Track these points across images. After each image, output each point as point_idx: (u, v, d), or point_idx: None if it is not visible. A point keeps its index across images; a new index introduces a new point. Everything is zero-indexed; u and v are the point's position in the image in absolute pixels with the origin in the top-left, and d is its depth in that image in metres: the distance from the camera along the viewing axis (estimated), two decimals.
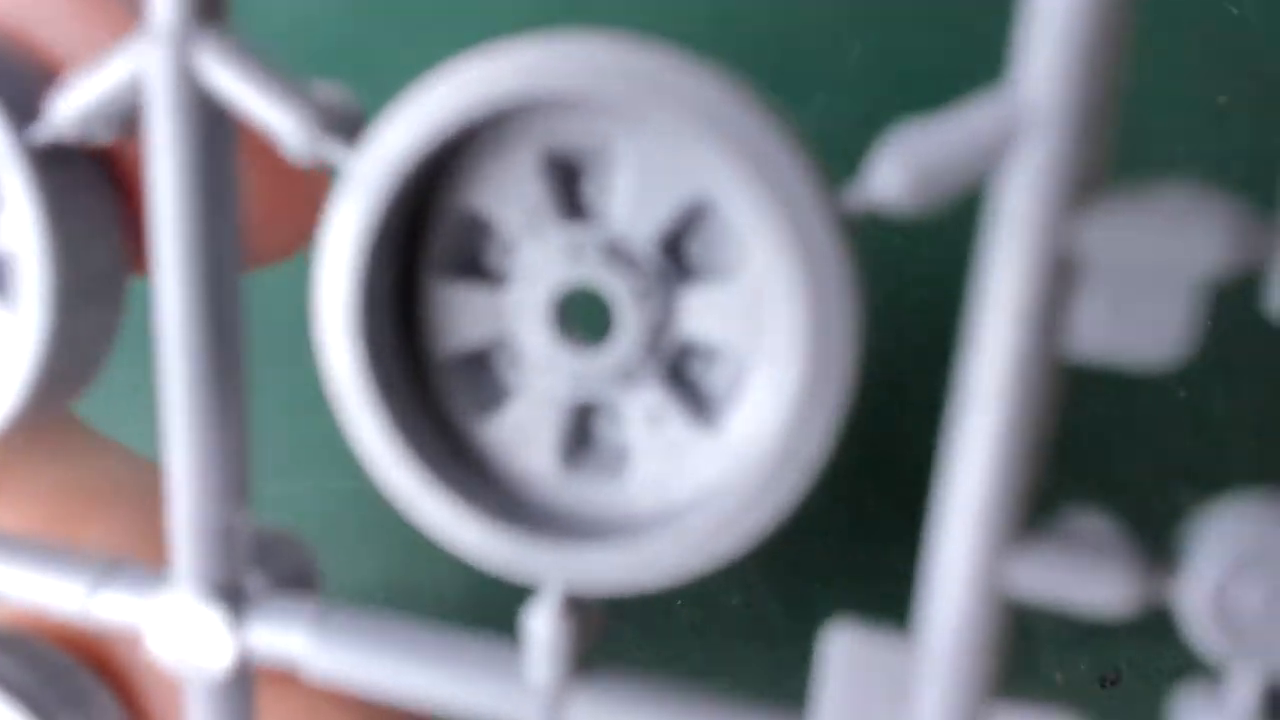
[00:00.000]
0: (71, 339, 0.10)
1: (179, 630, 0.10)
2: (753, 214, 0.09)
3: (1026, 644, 0.30)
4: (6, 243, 0.11)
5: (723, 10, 0.27)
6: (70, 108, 0.10)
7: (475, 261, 0.10)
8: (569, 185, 0.09)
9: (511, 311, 0.09)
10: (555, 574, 0.09)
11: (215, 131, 0.09)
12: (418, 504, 0.09)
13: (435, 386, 0.10)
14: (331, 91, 0.09)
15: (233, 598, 0.10)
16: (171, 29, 0.09)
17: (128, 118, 0.10)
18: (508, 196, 0.09)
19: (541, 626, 0.10)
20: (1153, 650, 0.30)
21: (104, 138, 0.10)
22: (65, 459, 0.14)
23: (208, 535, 0.10)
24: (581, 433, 0.10)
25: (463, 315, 0.10)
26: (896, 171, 0.08)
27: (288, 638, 0.10)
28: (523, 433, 0.10)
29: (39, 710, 0.12)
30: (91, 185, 0.10)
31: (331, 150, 0.09)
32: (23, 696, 0.12)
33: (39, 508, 0.13)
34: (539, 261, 0.09)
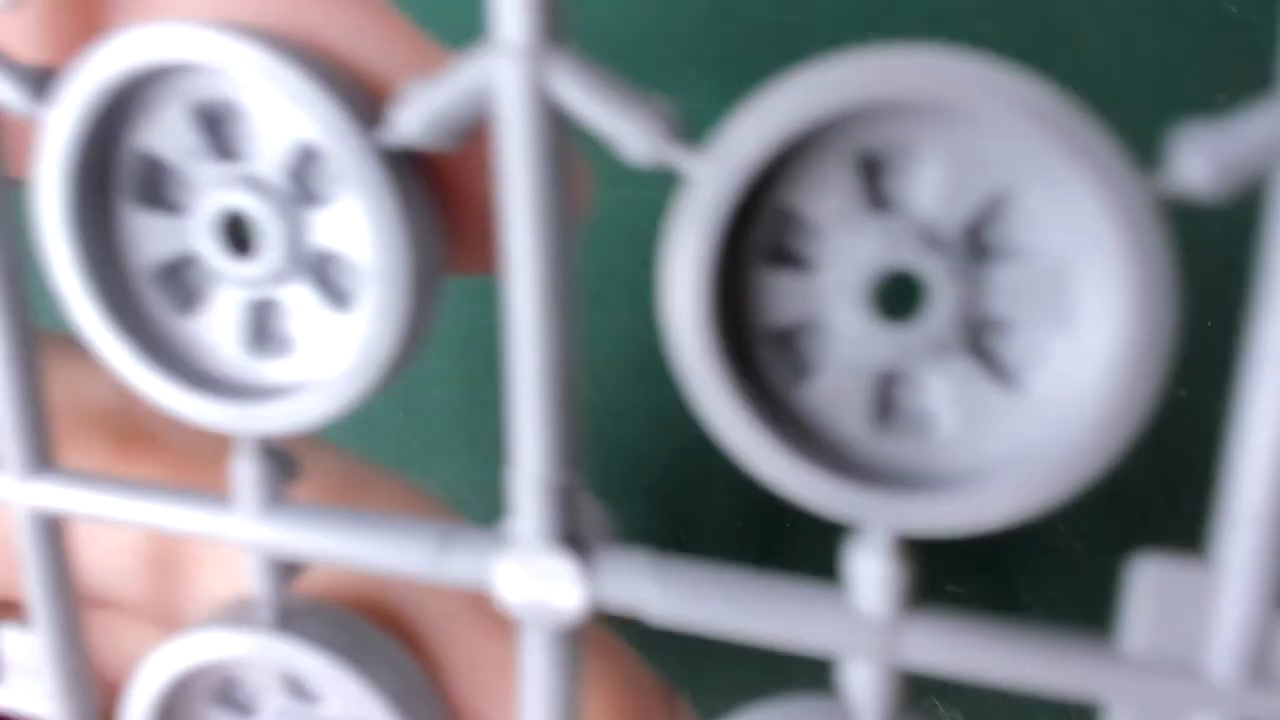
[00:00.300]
0: (402, 338, 0.11)
1: (529, 582, 0.12)
2: (1064, 200, 0.10)
3: None
4: (330, 241, 0.12)
5: (723, 8, 0.27)
6: (416, 116, 0.10)
7: (786, 250, 0.10)
8: (873, 180, 0.10)
9: (823, 293, 0.10)
10: (877, 518, 0.10)
11: (560, 141, 0.10)
12: (754, 459, 0.10)
13: (757, 359, 0.11)
14: (662, 102, 0.10)
15: (579, 548, 0.12)
16: (524, 46, 0.10)
17: (468, 127, 0.10)
18: (822, 192, 0.10)
19: (871, 565, 0.11)
20: None
21: (446, 145, 0.11)
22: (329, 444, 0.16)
23: (552, 491, 0.11)
24: (886, 399, 0.11)
25: (778, 297, 0.10)
26: (1202, 162, 0.09)
27: (632, 585, 0.11)
28: (836, 399, 0.11)
29: (365, 669, 0.13)
30: (418, 189, 0.11)
31: (675, 156, 0.10)
32: (346, 656, 0.13)
33: (328, 485, 0.15)
34: (852, 248, 0.10)
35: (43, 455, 0.13)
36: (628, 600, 0.12)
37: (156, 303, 0.12)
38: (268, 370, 0.12)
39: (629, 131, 0.10)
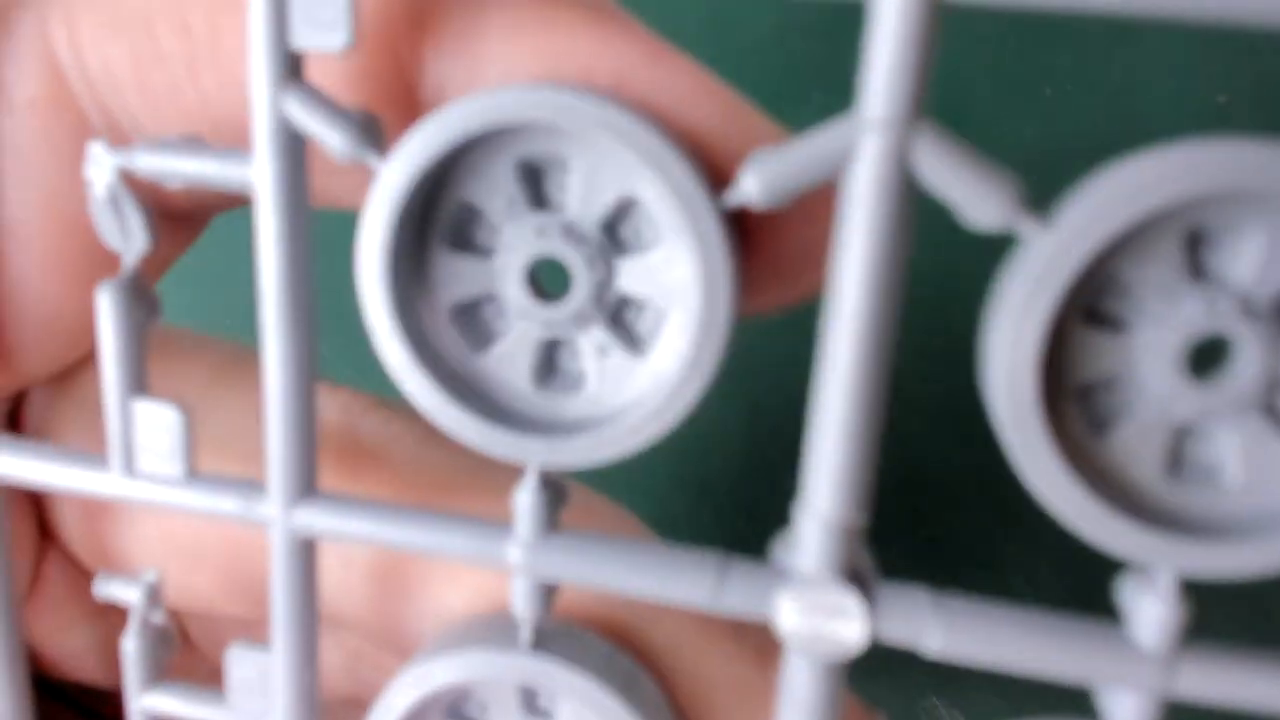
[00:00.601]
0: (710, 381, 0.12)
1: (812, 615, 0.12)
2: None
3: None
4: (635, 288, 0.13)
5: (721, 9, 0.28)
6: (763, 181, 0.11)
7: (1102, 311, 0.11)
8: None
9: (1137, 353, 0.11)
10: (1163, 561, 0.11)
11: (908, 206, 0.11)
12: (1058, 503, 0.11)
13: (1062, 410, 0.12)
14: (1009, 173, 0.11)
15: (861, 584, 0.12)
16: (890, 120, 0.10)
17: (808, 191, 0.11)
18: (1148, 263, 0.11)
19: (1152, 605, 0.12)
20: None
21: (778, 207, 0.11)
22: (436, 442, 0.16)
23: (843, 531, 0.12)
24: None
25: (1092, 355, 0.11)
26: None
27: (913, 620, 0.12)
28: (1134, 450, 0.11)
29: (615, 689, 0.14)
30: (736, 240, 0.12)
31: (1023, 226, 0.11)
32: (598, 676, 0.14)
33: (420, 483, 0.15)
34: (1170, 314, 0.11)
35: (308, 481, 0.14)
36: (907, 635, 0.12)
37: (453, 339, 0.13)
38: (557, 405, 0.13)
39: (981, 201, 0.11)
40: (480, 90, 0.12)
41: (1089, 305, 0.11)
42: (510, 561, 0.13)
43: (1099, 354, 0.11)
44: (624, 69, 0.12)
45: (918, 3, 0.10)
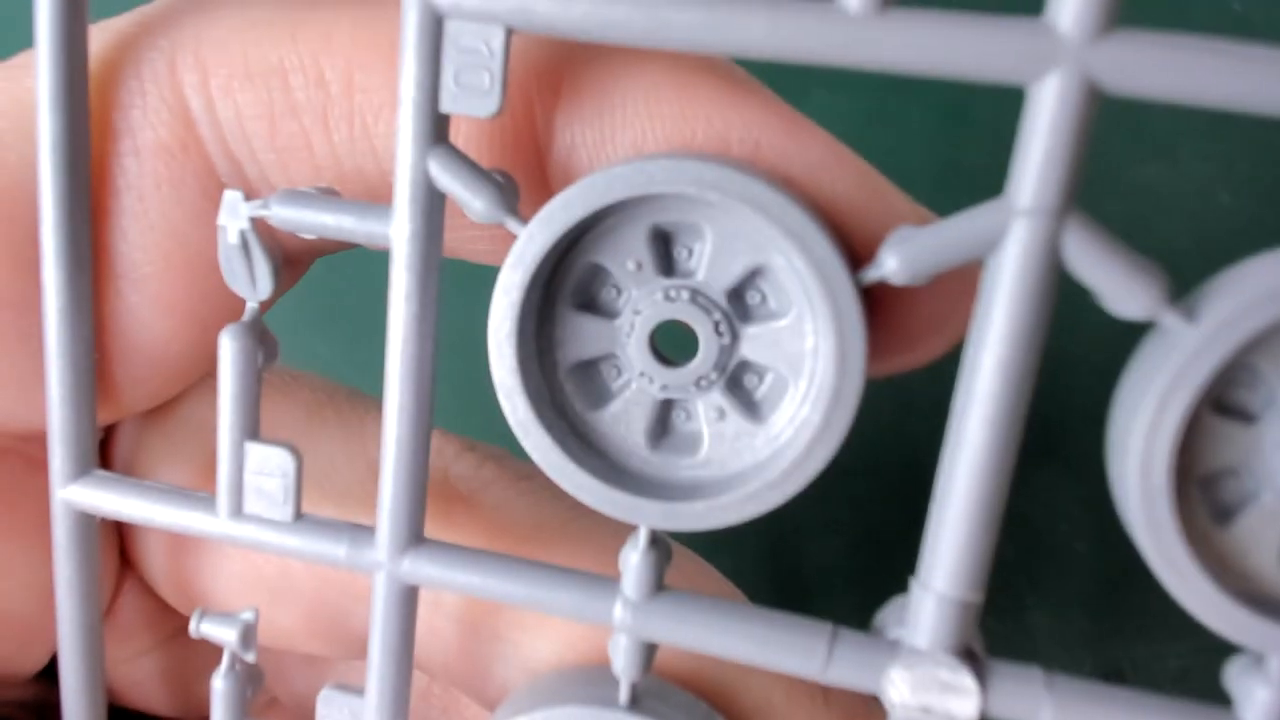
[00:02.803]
0: (835, 452, 0.12)
1: (924, 691, 0.12)
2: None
3: (1030, 643, 0.31)
4: (757, 355, 0.12)
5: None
6: (905, 259, 0.11)
7: (1229, 402, 0.11)
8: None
9: (1263, 443, 0.11)
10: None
11: (1053, 292, 0.11)
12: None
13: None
14: (1154, 265, 0.10)
15: (973, 661, 0.12)
16: (1044, 209, 0.10)
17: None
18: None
19: (1261, 691, 0.11)
20: (1157, 650, 0.30)
21: (920, 282, 0.11)
22: (527, 488, 0.16)
23: (960, 609, 0.12)
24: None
25: (1221, 445, 0.11)
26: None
27: (1026, 699, 0.12)
28: (1255, 538, 0.11)
29: None
30: (868, 315, 0.12)
31: (1168, 319, 0.10)
32: None
33: (510, 531, 0.15)
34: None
35: (417, 531, 0.13)
36: (1019, 713, 0.12)
37: (571, 395, 0.13)
38: (670, 466, 0.13)
39: (1127, 293, 0.10)
40: (623, 160, 0.12)
41: (1219, 395, 0.11)
42: (616, 620, 0.13)
43: (1227, 444, 0.11)
44: (759, 138, 0.12)
45: (1077, 92, 0.10)
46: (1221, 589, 0.11)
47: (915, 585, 0.12)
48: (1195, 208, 0.26)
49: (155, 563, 0.16)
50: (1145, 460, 0.11)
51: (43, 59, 0.13)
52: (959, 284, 0.12)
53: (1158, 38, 0.10)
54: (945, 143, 0.25)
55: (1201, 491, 0.11)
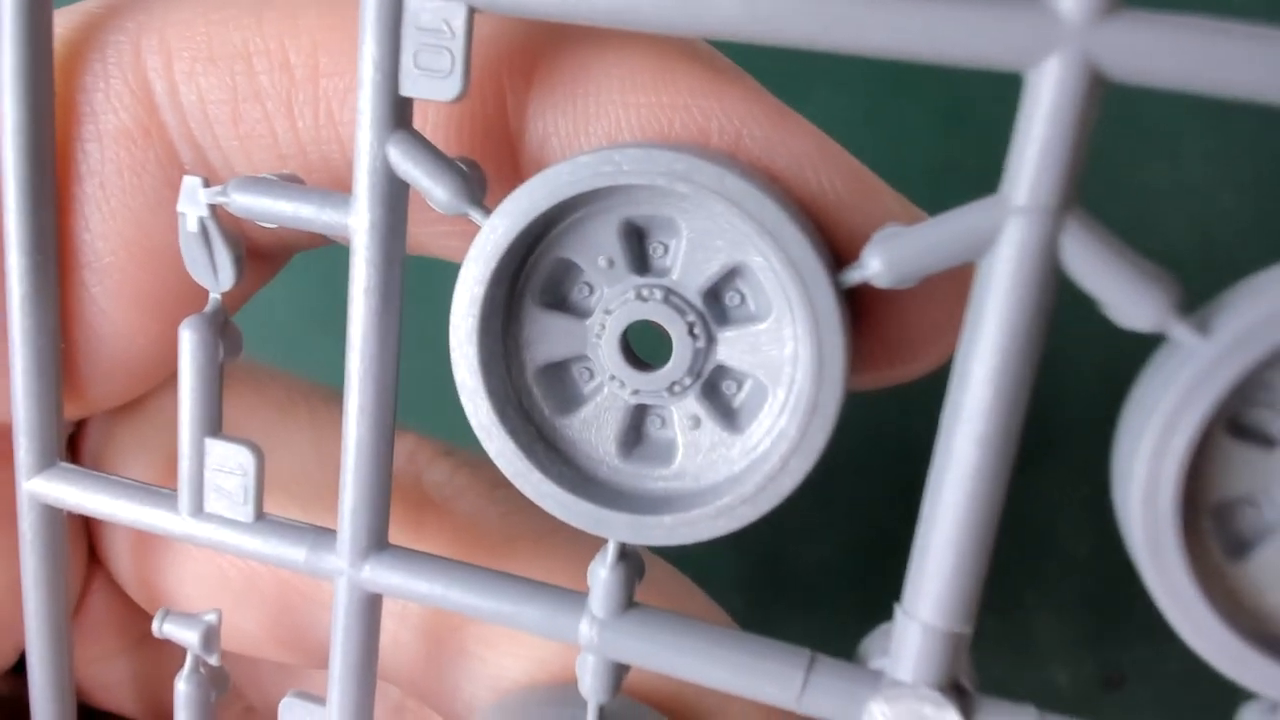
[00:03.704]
0: (812, 466, 0.11)
1: None
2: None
3: (1030, 643, 0.29)
4: (735, 361, 0.11)
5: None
6: (891, 261, 0.10)
7: (1245, 425, 0.10)
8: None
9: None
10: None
11: (1050, 297, 0.09)
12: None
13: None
14: (1165, 273, 0.09)
15: (960, 696, 0.11)
16: (1039, 207, 0.09)
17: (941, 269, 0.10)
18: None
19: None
20: (1157, 652, 0.29)
21: (904, 287, 0.10)
22: (501, 495, 0.15)
23: (946, 640, 0.11)
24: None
25: (1236, 470, 0.10)
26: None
27: None
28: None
29: None
30: (850, 320, 0.11)
31: (1178, 332, 0.09)
32: None
33: (482, 539, 0.14)
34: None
35: (380, 536, 0.13)
36: None
37: (539, 399, 0.12)
38: (642, 476, 0.12)
39: (1133, 301, 0.09)
40: (592, 149, 0.11)
41: (1234, 415, 0.10)
42: (582, 638, 0.12)
43: (1244, 469, 0.10)
44: (741, 130, 0.11)
45: (1078, 78, 0.09)
46: (1234, 631, 0.10)
47: (899, 613, 0.11)
48: (1197, 208, 0.25)
49: (121, 559, 0.16)
50: (1150, 486, 0.09)
51: (6, 40, 0.12)
52: (956, 288, 0.11)
53: (1167, 19, 0.09)
54: (943, 142, 0.24)
55: (1214, 522, 0.10)
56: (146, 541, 0.15)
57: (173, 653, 0.17)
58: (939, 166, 0.24)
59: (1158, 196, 0.25)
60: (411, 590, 0.12)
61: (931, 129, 0.24)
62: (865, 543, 0.28)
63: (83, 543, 0.16)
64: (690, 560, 0.15)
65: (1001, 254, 0.09)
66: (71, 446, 0.16)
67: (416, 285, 0.13)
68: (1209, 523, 0.10)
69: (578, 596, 0.12)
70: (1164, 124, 0.24)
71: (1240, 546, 0.10)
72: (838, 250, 0.11)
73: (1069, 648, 0.28)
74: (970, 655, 0.11)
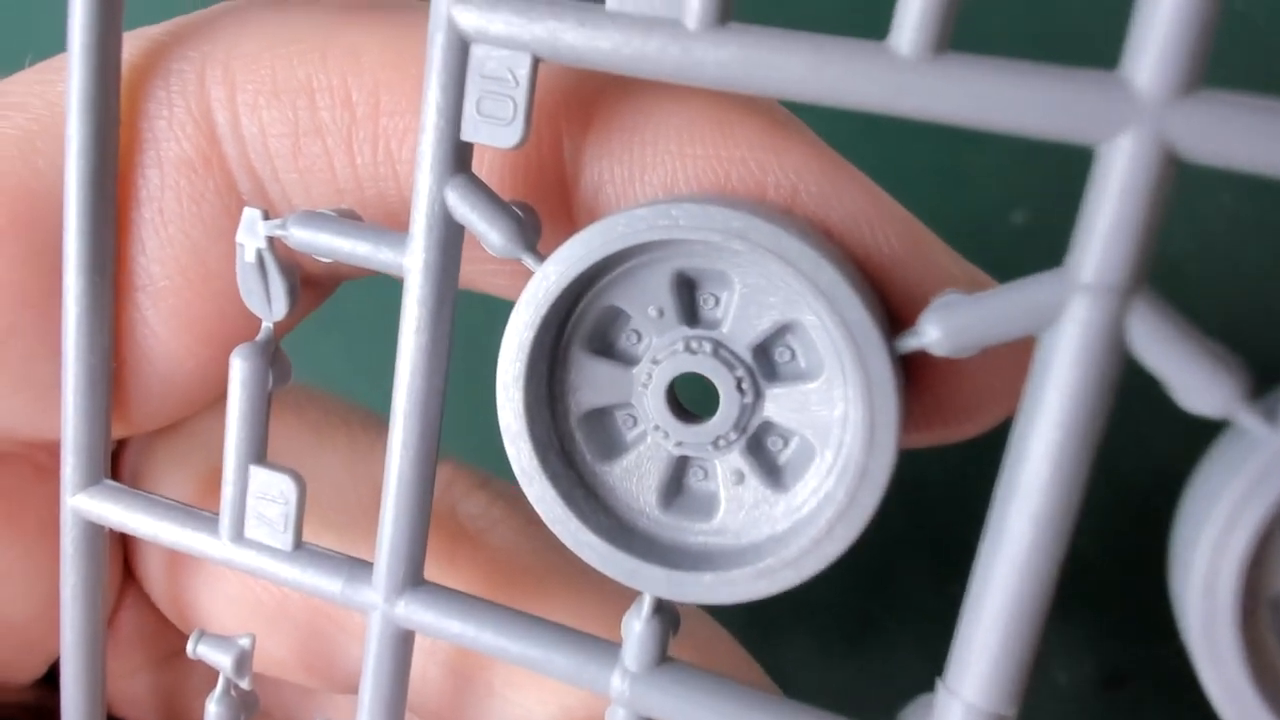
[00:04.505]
0: (859, 535, 0.11)
1: None
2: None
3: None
4: (783, 419, 0.11)
5: None
6: (950, 329, 0.10)
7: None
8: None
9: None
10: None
11: (1115, 376, 0.09)
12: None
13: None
14: (1233, 357, 0.09)
15: None
16: (1106, 286, 0.09)
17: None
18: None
19: None
20: (1157, 650, 0.28)
21: (966, 355, 0.10)
22: (537, 532, 0.15)
23: (981, 718, 0.10)
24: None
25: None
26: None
27: None
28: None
29: None
30: (904, 385, 0.10)
31: (1246, 420, 0.09)
32: None
33: (515, 576, 0.14)
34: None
35: (416, 573, 0.12)
36: None
37: (582, 445, 0.12)
38: (682, 530, 0.12)
39: (1200, 387, 0.09)
40: (648, 200, 0.11)
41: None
42: (613, 691, 0.12)
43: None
44: (798, 184, 0.11)
45: (1153, 157, 0.09)
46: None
47: (941, 689, 0.10)
48: (1196, 208, 0.24)
49: (155, 577, 0.16)
50: (1210, 579, 0.09)
51: (75, 63, 0.12)
52: (1015, 355, 0.11)
53: (1244, 100, 0.08)
54: (945, 147, 0.24)
55: (1273, 612, 0.10)
56: (181, 560, 0.15)
57: (197, 671, 0.16)
58: (938, 170, 0.24)
59: None
60: (444, 629, 0.12)
61: (932, 130, 0.24)
62: (865, 560, 0.27)
63: (119, 558, 0.16)
64: None
65: (1065, 330, 0.09)
66: (111, 461, 0.16)
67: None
68: (1268, 615, 0.10)
69: (610, 647, 0.12)
70: None
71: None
72: (892, 307, 0.11)
73: (1069, 648, 0.27)
74: None
